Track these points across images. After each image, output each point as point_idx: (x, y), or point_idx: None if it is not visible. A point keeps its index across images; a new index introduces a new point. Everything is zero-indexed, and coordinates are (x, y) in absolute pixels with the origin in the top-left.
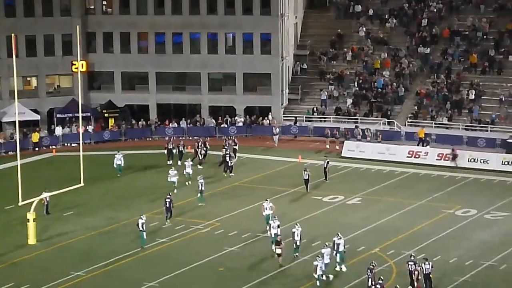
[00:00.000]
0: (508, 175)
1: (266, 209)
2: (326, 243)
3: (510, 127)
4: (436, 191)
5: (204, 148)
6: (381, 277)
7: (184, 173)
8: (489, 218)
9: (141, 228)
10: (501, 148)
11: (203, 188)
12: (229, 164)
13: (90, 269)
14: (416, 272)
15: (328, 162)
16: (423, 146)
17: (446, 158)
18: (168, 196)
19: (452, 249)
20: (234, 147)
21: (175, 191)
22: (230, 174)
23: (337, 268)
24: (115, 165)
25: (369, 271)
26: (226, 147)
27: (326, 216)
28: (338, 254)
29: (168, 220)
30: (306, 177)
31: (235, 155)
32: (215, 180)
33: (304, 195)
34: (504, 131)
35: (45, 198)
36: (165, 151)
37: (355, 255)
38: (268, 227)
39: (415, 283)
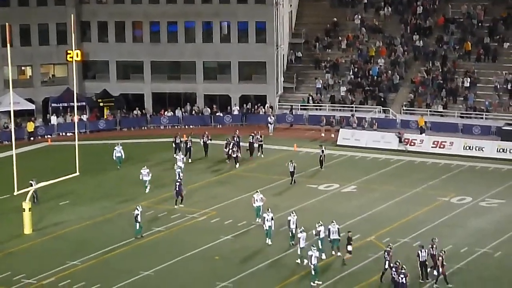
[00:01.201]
0: (503, 163)
1: (257, 200)
2: (303, 227)
3: (505, 114)
4: (431, 179)
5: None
6: (398, 260)
7: (175, 167)
8: (484, 206)
9: (136, 219)
10: (496, 135)
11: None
12: (234, 155)
13: (85, 258)
14: (440, 258)
15: (323, 151)
16: (422, 134)
17: (403, 141)
18: (178, 180)
19: (447, 236)
20: (260, 143)
21: (147, 191)
22: (236, 166)
23: (334, 253)
24: (114, 157)
25: (386, 253)
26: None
27: (321, 204)
28: (333, 242)
29: (178, 205)
30: (292, 169)
31: (261, 149)
32: (211, 170)
33: (299, 184)
34: (499, 119)
35: (33, 187)
36: (173, 144)
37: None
38: (258, 219)
39: (440, 269)
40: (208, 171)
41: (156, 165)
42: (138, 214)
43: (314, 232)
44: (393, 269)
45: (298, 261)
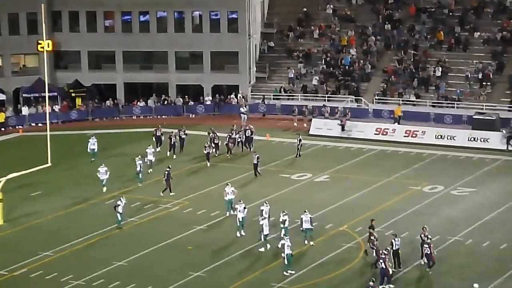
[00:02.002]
0: (474, 151)
1: (228, 193)
2: (264, 215)
3: (476, 103)
4: (404, 168)
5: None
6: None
7: (146, 160)
8: (455, 194)
9: (118, 210)
10: (467, 124)
11: (141, 169)
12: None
13: (58, 249)
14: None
15: (300, 140)
16: (399, 124)
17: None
18: (167, 170)
19: (420, 225)
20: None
21: (104, 190)
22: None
23: (306, 243)
24: (89, 150)
25: (371, 243)
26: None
27: (294, 194)
28: (305, 231)
29: (162, 193)
30: (255, 162)
31: (252, 143)
32: (183, 159)
33: (272, 174)
34: (470, 108)
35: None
36: (153, 138)
37: (323, 232)
38: (230, 212)
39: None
40: (181, 161)
41: (127, 156)
42: (119, 205)
43: (280, 220)
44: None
45: (262, 249)
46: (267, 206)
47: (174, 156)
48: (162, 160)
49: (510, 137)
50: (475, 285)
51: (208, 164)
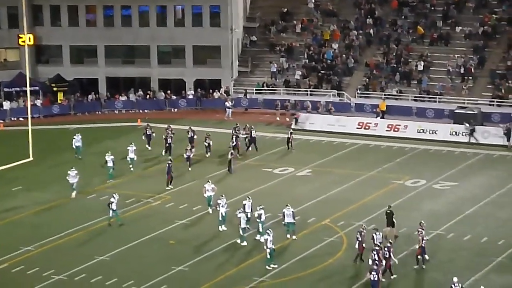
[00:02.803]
0: (455, 146)
1: (208, 190)
2: (241, 209)
3: (457, 98)
4: (386, 162)
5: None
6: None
7: (128, 158)
8: (437, 188)
9: (111, 207)
10: (449, 118)
11: (113, 166)
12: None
13: (39, 244)
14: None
15: (291, 133)
16: (382, 118)
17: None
18: (169, 162)
19: (402, 219)
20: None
21: (73, 194)
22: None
23: (289, 236)
24: (74, 146)
25: (358, 234)
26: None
27: (276, 188)
28: (288, 225)
29: (168, 186)
30: (229, 157)
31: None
32: (167, 155)
33: (254, 168)
34: (452, 102)
35: None
36: (143, 136)
37: (305, 227)
38: (211, 209)
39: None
40: (164, 156)
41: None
42: (112, 202)
43: (256, 214)
44: (374, 251)
45: (239, 241)
46: (249, 200)
47: (170, 157)
48: (152, 159)
49: (472, 130)
50: (455, 279)
51: (190, 168)
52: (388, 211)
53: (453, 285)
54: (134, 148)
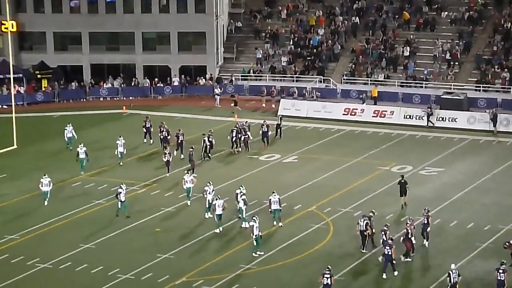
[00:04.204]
0: (442, 131)
1: (187, 182)
2: (219, 195)
3: (444, 83)
4: (372, 148)
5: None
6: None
7: (116, 152)
8: (424, 174)
9: (120, 199)
10: (436, 104)
11: (87, 157)
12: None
13: (24, 232)
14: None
15: (281, 119)
16: (375, 105)
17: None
18: (190, 150)
19: (388, 205)
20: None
21: (46, 203)
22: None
23: (275, 223)
24: (66, 138)
25: (382, 232)
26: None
27: (262, 175)
28: (274, 212)
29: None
30: (208, 144)
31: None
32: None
33: (240, 155)
34: (438, 87)
35: None
36: (143, 129)
37: (291, 213)
38: (189, 202)
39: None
40: (152, 146)
41: (95, 138)
42: (120, 193)
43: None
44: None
45: (217, 230)
46: (243, 188)
47: (182, 156)
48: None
49: (430, 114)
50: (452, 266)
51: (167, 174)
52: (402, 181)
53: (450, 272)
54: (123, 141)
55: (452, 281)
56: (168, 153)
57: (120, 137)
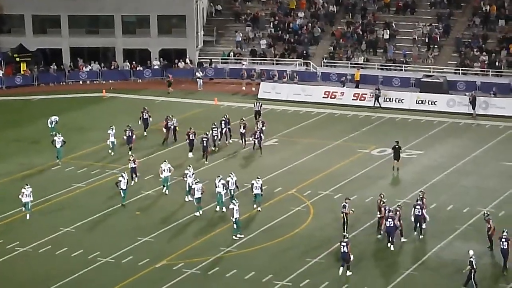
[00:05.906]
0: (422, 114)
1: (164, 170)
2: (198, 179)
3: (423, 66)
4: (352, 131)
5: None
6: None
7: (108, 142)
8: (404, 157)
9: (121, 187)
10: (415, 87)
11: (62, 146)
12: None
13: (4, 215)
14: (398, 213)
15: (261, 105)
16: (357, 88)
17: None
18: (205, 136)
19: (368, 188)
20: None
21: (28, 216)
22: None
23: (256, 206)
24: (50, 125)
25: (393, 212)
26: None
27: (243, 158)
28: (255, 196)
29: (206, 161)
30: (192, 137)
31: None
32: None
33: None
34: (418, 70)
35: None
36: (140, 121)
37: (272, 196)
38: (167, 191)
39: (397, 223)
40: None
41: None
42: (120, 181)
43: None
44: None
45: (197, 213)
46: (234, 177)
47: (190, 154)
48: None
49: (377, 96)
50: (471, 252)
51: (133, 182)
52: (397, 146)
53: (471, 259)
54: (115, 131)
55: (474, 267)
56: (133, 160)
57: (112, 127)
